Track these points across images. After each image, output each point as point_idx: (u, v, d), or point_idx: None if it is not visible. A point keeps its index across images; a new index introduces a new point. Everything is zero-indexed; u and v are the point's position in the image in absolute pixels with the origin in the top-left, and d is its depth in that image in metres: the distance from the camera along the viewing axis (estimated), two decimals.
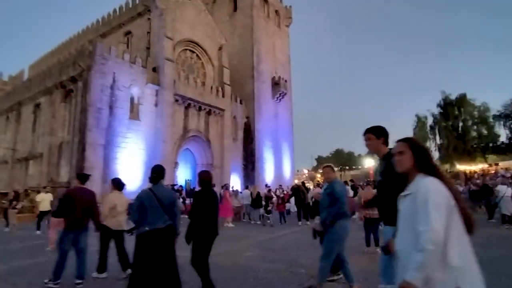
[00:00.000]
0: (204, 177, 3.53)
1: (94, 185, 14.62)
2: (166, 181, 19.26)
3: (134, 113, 19.66)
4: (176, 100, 21.97)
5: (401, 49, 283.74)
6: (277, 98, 33.52)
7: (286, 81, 34.66)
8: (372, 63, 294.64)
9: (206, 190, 3.47)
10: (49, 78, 21.03)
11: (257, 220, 11.87)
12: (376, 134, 2.46)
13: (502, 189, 8.84)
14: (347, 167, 70.20)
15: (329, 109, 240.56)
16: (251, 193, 12.45)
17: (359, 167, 66.01)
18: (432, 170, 1.57)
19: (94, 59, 18.03)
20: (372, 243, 5.76)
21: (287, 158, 34.12)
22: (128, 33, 24.74)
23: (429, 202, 1.41)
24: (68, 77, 19.34)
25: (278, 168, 31.88)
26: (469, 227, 1.50)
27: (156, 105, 20.79)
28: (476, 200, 12.05)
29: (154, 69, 21.17)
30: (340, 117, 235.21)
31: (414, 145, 1.67)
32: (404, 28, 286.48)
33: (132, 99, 19.67)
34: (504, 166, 35.30)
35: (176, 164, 21.92)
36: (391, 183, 2.10)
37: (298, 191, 13.57)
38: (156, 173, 3.51)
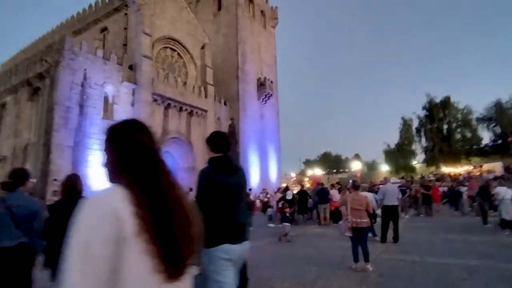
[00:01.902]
0: (71, 184, 2.78)
1: None
2: None
3: (108, 112, 18.32)
4: (155, 100, 20.76)
5: (389, 52, 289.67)
6: (263, 99, 32.68)
7: (272, 82, 33.89)
8: (360, 67, 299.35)
9: (67, 201, 2.63)
10: (15, 75, 19.47)
11: None
12: (207, 142, 2.28)
13: (501, 191, 8.13)
14: (334, 170, 70.01)
15: (316, 112, 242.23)
16: None
17: (346, 170, 65.90)
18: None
19: (62, 54, 16.65)
20: (360, 257, 4.75)
21: (273, 161, 33.22)
22: (104, 29, 23.39)
23: (70, 243, 0.77)
24: (35, 74, 17.85)
25: (264, 172, 30.91)
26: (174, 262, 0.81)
27: (132, 104, 19.50)
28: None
29: (130, 67, 19.93)
30: (327, 120, 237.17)
31: (113, 133, 0.96)
32: (393, 31, 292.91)
33: (106, 98, 18.34)
34: (488, 168, 35.47)
35: None
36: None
37: (306, 194, 12.68)
38: (13, 178, 2.79)
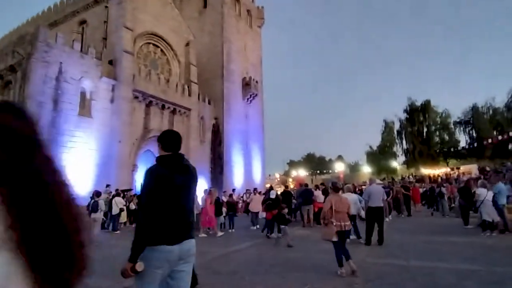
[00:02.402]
0: None
1: None
2: (123, 186, 17.31)
3: (85, 109, 17.48)
4: (136, 97, 20.03)
5: (374, 56, 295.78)
6: (248, 99, 32.38)
7: (257, 82, 33.63)
8: (344, 70, 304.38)
9: None
10: None
11: (218, 231, 10.42)
12: (158, 140, 2.28)
13: (482, 193, 8.16)
14: (318, 171, 70.58)
15: (300, 114, 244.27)
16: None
17: (330, 171, 66.56)
18: None
19: (35, 46, 15.74)
20: (345, 262, 4.50)
21: (257, 162, 32.96)
22: (83, 22, 22.40)
23: None
24: (6, 67, 16.79)
25: (248, 172, 30.59)
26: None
27: (112, 101, 18.71)
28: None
29: (110, 62, 19.14)
30: (311, 122, 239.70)
31: None
32: (379, 35, 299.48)
33: (83, 94, 17.49)
34: (465, 170, 36.65)
35: (134, 167, 19.90)
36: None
37: (290, 195, 12.32)
38: None
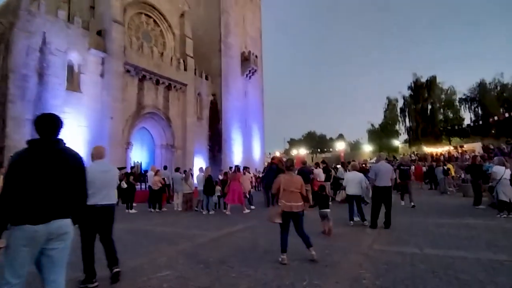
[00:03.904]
0: None
1: None
2: (116, 164, 16.67)
3: (73, 83, 16.52)
4: (128, 71, 18.99)
5: (379, 31, 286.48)
6: (247, 75, 31.16)
7: (256, 57, 32.23)
8: (347, 45, 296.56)
9: None
10: None
11: (211, 210, 9.83)
12: (33, 124, 2.31)
13: (499, 171, 7.45)
14: (318, 150, 70.16)
15: (301, 91, 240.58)
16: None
17: (330, 150, 66.11)
18: None
19: (18, 14, 14.58)
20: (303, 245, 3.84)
21: (257, 140, 32.26)
22: None
23: None
24: None
25: (247, 150, 29.95)
26: None
27: (102, 75, 17.70)
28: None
29: (99, 33, 17.93)
30: (312, 99, 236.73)
31: None
32: (384, 9, 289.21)
33: (70, 67, 16.46)
34: (468, 148, 35.92)
35: (128, 145, 19.21)
36: None
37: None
38: None
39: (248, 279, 3.57)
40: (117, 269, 3.57)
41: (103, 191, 3.57)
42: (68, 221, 2.20)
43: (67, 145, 2.36)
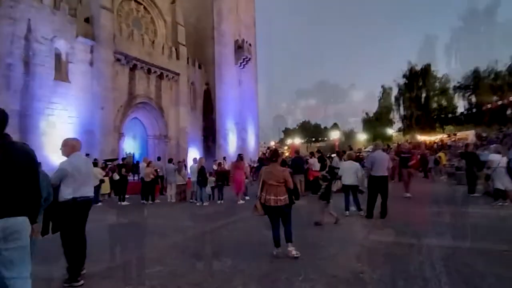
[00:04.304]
0: None
1: None
2: (108, 155, 16.38)
3: (61, 73, 16.00)
4: (118, 60, 18.45)
5: (382, 9, 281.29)
6: (241, 63, 30.64)
7: (250, 45, 31.66)
8: (345, 37, 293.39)
9: None
10: None
11: (205, 201, 9.68)
12: None
13: (495, 159, 7.39)
14: (313, 139, 70.30)
15: (296, 77, 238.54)
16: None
17: (325, 139, 66.29)
18: None
19: (1, 1, 13.94)
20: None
21: (251, 129, 32.02)
22: None
23: None
24: None
25: (241, 140, 29.75)
26: None
27: (91, 64, 17.17)
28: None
29: (87, 20, 17.31)
30: (306, 86, 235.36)
31: None
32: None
33: (58, 56, 15.92)
34: (461, 136, 36.17)
35: (121, 135, 18.85)
36: None
37: (285, 163, 11.22)
38: None
39: (241, 274, 3.44)
40: (84, 271, 3.45)
41: (84, 184, 3.49)
42: (17, 220, 2.08)
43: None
